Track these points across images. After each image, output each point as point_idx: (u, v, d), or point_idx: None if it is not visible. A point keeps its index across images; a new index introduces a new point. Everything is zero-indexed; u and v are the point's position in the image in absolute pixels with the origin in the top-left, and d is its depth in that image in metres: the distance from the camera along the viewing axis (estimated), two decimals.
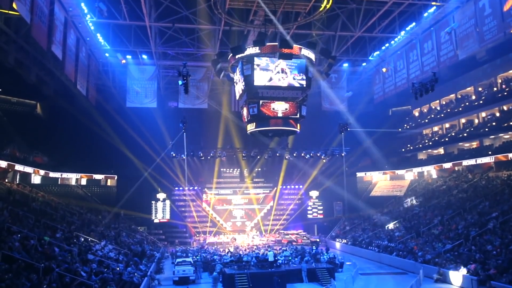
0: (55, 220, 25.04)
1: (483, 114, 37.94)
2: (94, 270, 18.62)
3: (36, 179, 38.64)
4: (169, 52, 36.54)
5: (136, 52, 35.60)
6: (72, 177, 42.44)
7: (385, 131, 39.01)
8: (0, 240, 16.40)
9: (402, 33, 33.83)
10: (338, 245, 37.78)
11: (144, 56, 36.64)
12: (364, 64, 40.90)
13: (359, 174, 47.81)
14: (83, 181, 43.64)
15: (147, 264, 25.49)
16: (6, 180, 31.98)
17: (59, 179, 41.34)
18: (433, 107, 45.79)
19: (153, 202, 40.64)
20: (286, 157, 43.94)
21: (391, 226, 32.51)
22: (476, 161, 35.17)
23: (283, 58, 21.88)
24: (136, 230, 38.13)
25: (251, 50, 21.75)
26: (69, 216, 28.48)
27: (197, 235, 42.03)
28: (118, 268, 20.90)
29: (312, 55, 23.14)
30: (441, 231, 27.84)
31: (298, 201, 46.56)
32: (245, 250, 32.13)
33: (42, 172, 37.87)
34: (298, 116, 24.23)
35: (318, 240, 39.56)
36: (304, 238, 40.52)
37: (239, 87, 24.39)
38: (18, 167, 33.44)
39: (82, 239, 23.59)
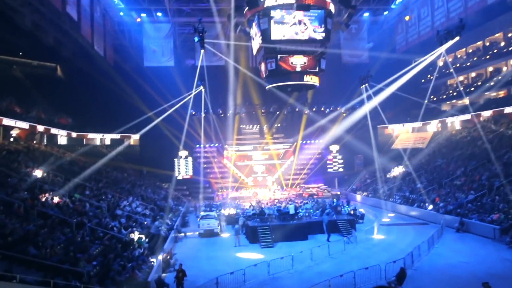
0: (83, 179, 25.97)
1: None
2: (123, 225, 19.52)
3: (62, 140, 39.74)
4: (184, 9, 35.82)
5: (150, 9, 35.06)
6: (97, 137, 43.44)
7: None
8: (33, 197, 17.23)
9: None
10: (358, 197, 38.16)
11: (159, 14, 36.05)
12: (386, 13, 39.23)
13: (380, 127, 47.19)
14: (107, 141, 44.66)
15: (173, 218, 26.49)
16: (34, 142, 33.04)
17: (84, 139, 42.42)
18: (459, 56, 43.97)
19: (175, 159, 41.45)
20: (306, 112, 43.61)
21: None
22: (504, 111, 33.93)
23: (301, 9, 21.21)
24: (161, 187, 39.30)
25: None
26: (96, 175, 29.46)
27: (220, 190, 43.05)
28: (145, 222, 21.82)
29: (331, 6, 22.32)
30: (464, 182, 27.67)
31: (318, 156, 46.72)
32: (267, 204, 32.83)
33: (74, 134, 38.84)
34: (317, 69, 23.81)
35: (339, 193, 39.95)
36: (325, 191, 41.00)
37: (256, 42, 23.94)
38: (53, 130, 34.39)
39: (110, 196, 24.53)
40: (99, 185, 26.32)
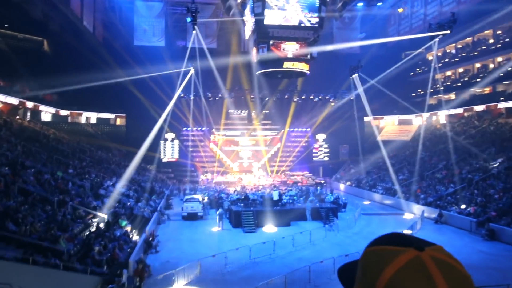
0: (67, 157, 25.73)
1: (499, 59, 36.71)
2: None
3: (46, 117, 39.10)
4: None
5: None
6: (82, 115, 42.86)
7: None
8: (15, 173, 17.00)
9: None
10: (342, 186, 38.61)
11: None
12: (379, 3, 39.12)
13: (366, 118, 47.54)
14: (93, 120, 44.12)
15: (157, 200, 26.46)
16: (18, 117, 32.45)
17: (69, 116, 41.80)
18: (448, 51, 44.32)
19: (161, 141, 41.18)
20: (295, 100, 43.63)
21: None
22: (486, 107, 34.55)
23: None
24: (146, 168, 39.11)
25: None
26: (80, 153, 29.18)
27: (205, 174, 43.03)
28: (129, 203, 21.77)
29: None
30: (445, 175, 28.22)
31: (304, 144, 46.91)
32: (251, 189, 33.00)
33: (59, 111, 38.31)
34: (309, 57, 23.78)
35: (323, 181, 40.34)
36: (309, 179, 41.33)
37: (248, 26, 23.75)
38: (37, 106, 33.78)
39: (94, 175, 24.35)
40: (82, 164, 26.07)
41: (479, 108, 35.22)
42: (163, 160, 41.59)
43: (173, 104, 39.03)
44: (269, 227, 21.81)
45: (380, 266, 0.87)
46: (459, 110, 38.11)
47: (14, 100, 30.74)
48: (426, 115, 43.25)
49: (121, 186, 24.37)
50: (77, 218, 16.17)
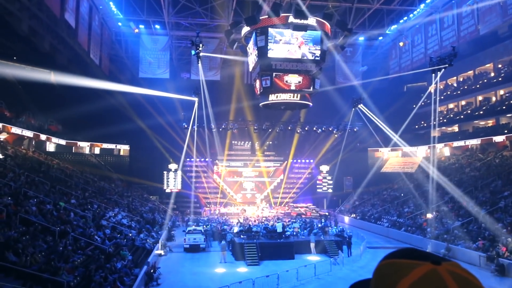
0: (70, 187, 25.62)
1: (501, 92, 37.00)
2: (108, 236, 19.18)
3: (50, 147, 39.28)
4: (182, 23, 36.09)
5: (149, 21, 35.25)
6: (85, 146, 43.05)
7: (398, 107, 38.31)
8: (17, 203, 16.89)
9: (422, 6, 32.82)
10: (347, 219, 38.08)
11: (157, 26, 36.27)
12: (380, 38, 39.93)
13: (370, 150, 47.58)
14: (97, 150, 44.27)
15: (159, 232, 26.12)
16: (22, 147, 32.60)
17: (73, 147, 41.98)
18: (450, 84, 44.81)
19: (164, 172, 41.16)
20: (298, 131, 43.82)
21: None
22: (493, 140, 34.40)
23: (298, 29, 21.55)
24: (148, 199, 38.87)
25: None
26: (83, 184, 29.08)
27: (208, 206, 42.67)
28: (130, 234, 21.48)
29: (328, 27, 22.70)
30: (451, 208, 27.83)
31: (308, 175, 46.72)
32: (255, 221, 32.59)
33: (62, 141, 38.67)
34: (311, 89, 24.04)
35: (327, 213, 39.86)
36: (313, 211, 40.86)
37: (252, 59, 24.16)
38: (42, 137, 34.24)
39: (96, 206, 24.16)
40: (85, 194, 25.93)
41: (489, 139, 34.90)
42: (166, 191, 41.41)
43: (177, 135, 39.37)
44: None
45: (395, 278, 0.85)
46: (464, 142, 37.98)
47: (28, 133, 31.29)
48: (431, 147, 43.20)
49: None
50: (78, 249, 15.90)
